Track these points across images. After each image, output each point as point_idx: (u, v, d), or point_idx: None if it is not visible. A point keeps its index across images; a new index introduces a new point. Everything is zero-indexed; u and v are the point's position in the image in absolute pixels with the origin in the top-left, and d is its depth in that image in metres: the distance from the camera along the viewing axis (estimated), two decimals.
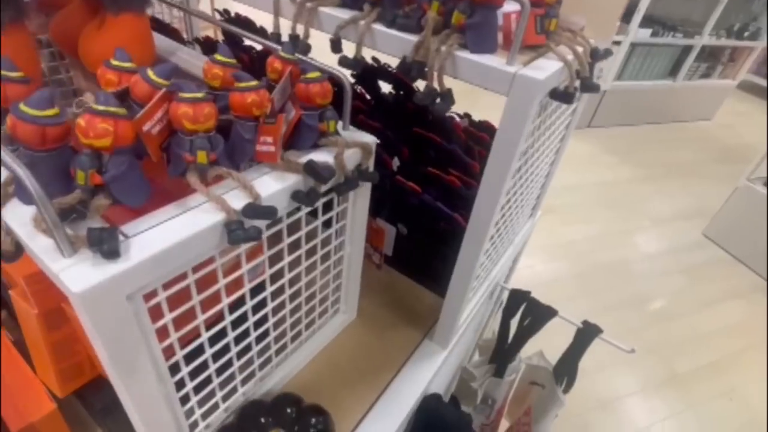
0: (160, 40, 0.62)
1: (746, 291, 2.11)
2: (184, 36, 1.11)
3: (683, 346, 1.78)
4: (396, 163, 0.67)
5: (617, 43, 2.94)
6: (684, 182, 2.90)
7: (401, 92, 0.75)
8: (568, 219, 2.40)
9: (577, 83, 0.52)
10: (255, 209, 0.38)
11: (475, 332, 1.07)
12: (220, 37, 1.57)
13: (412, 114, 0.71)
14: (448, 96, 0.48)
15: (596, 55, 0.53)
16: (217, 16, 0.95)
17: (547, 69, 0.45)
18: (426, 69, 0.48)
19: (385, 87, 0.79)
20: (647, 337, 1.80)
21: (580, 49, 0.50)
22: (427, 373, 0.66)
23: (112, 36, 0.54)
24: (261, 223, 0.42)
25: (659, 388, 1.62)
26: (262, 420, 0.50)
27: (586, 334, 0.93)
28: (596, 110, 3.31)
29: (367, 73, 0.76)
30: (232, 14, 0.93)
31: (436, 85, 0.48)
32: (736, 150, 2.34)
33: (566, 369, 1.00)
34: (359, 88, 0.80)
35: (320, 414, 0.53)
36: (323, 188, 0.47)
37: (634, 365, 1.68)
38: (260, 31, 0.78)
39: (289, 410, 0.52)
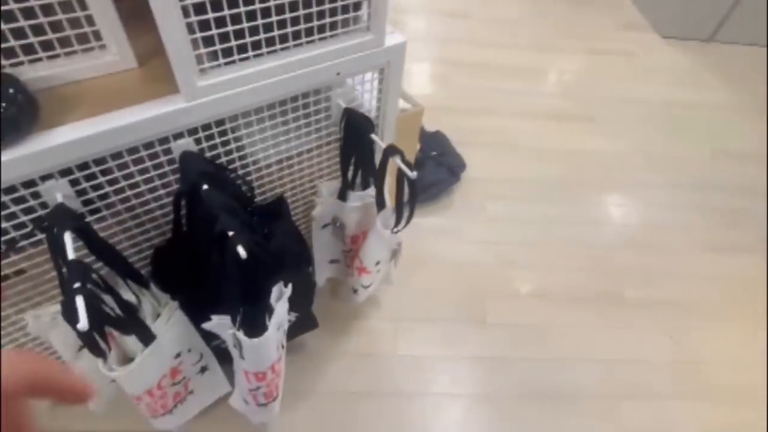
0: None
1: None
2: None
3: None
4: None
5: None
6: None
7: None
8: (594, 130, 2.12)
9: None
10: None
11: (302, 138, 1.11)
12: None
13: None
14: None
15: None
16: None
17: None
18: None
19: None
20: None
21: None
22: (157, 111, 0.77)
23: None
24: None
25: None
26: None
27: (387, 154, 0.93)
28: (724, 19, 2.64)
29: None
30: None
31: None
32: None
33: (382, 197, 1.03)
34: None
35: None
36: None
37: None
38: None
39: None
